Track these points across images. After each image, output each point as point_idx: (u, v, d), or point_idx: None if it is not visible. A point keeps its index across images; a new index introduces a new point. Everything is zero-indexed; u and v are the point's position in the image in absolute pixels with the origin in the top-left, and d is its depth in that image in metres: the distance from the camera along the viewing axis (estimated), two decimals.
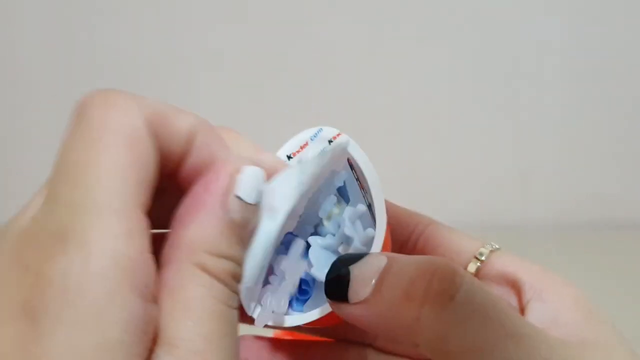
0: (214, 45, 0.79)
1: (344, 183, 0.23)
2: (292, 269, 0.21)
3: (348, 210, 0.22)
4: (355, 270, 0.19)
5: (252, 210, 0.18)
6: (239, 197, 0.18)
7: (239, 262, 0.18)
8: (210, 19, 0.78)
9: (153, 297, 0.16)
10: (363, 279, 0.19)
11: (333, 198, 0.23)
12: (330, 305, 0.20)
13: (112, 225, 0.15)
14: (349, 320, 0.20)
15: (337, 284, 0.19)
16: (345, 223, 0.22)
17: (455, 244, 0.23)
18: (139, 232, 0.15)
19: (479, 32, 0.78)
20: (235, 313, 0.17)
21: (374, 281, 0.19)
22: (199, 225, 0.17)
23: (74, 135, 0.16)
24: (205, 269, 0.16)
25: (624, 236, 0.79)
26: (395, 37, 0.78)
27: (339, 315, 0.20)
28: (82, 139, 0.16)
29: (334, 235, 0.22)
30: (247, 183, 0.18)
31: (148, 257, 0.16)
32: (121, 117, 0.16)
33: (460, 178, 0.84)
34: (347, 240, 0.22)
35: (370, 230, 0.22)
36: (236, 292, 0.18)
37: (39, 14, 0.79)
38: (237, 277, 0.18)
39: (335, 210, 0.22)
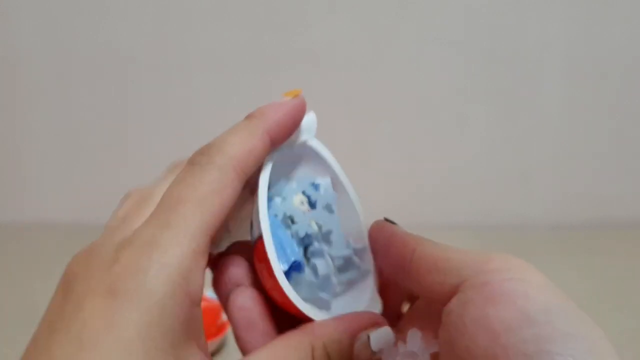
0: (213, 45, 0.79)
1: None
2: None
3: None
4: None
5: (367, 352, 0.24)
6: (368, 341, 0.24)
7: None
8: (209, 19, 0.78)
9: (199, 302, 0.22)
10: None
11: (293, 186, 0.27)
12: (384, 223, 0.26)
13: (183, 245, 0.21)
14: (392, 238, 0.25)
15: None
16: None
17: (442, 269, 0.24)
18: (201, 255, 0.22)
19: (479, 32, 0.78)
20: None
21: None
22: (328, 326, 0.24)
23: None
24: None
25: (622, 236, 0.79)
26: (395, 38, 0.78)
27: (389, 229, 0.26)
28: None
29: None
30: (378, 339, 0.24)
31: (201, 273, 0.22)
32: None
33: (460, 178, 0.84)
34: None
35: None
36: None
37: (38, 13, 0.79)
38: None
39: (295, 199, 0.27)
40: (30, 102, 0.83)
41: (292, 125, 0.25)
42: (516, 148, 0.83)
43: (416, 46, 0.78)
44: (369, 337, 0.23)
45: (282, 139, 0.25)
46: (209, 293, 0.58)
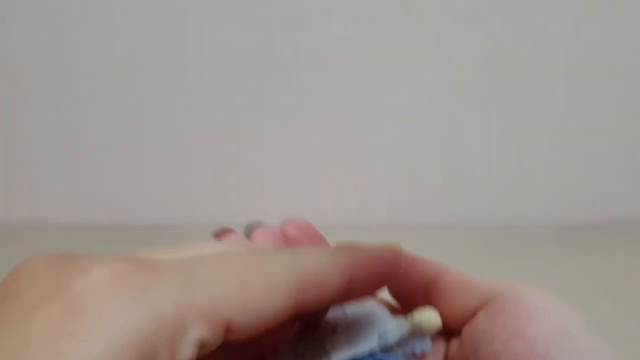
0: (212, 46, 0.79)
1: None
2: None
3: None
4: None
5: None
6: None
7: None
8: (208, 20, 0.78)
9: None
10: None
11: None
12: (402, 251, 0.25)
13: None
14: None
15: None
16: None
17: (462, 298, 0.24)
18: None
19: (479, 32, 0.78)
20: None
21: None
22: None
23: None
24: None
25: (623, 236, 0.79)
26: (394, 37, 0.78)
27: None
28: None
29: None
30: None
31: None
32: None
33: (460, 178, 0.84)
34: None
35: None
36: None
37: (43, 15, 0.79)
38: None
39: None
40: (30, 102, 0.83)
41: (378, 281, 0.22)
42: (516, 148, 0.83)
43: (415, 46, 0.78)
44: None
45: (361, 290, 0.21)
46: None
